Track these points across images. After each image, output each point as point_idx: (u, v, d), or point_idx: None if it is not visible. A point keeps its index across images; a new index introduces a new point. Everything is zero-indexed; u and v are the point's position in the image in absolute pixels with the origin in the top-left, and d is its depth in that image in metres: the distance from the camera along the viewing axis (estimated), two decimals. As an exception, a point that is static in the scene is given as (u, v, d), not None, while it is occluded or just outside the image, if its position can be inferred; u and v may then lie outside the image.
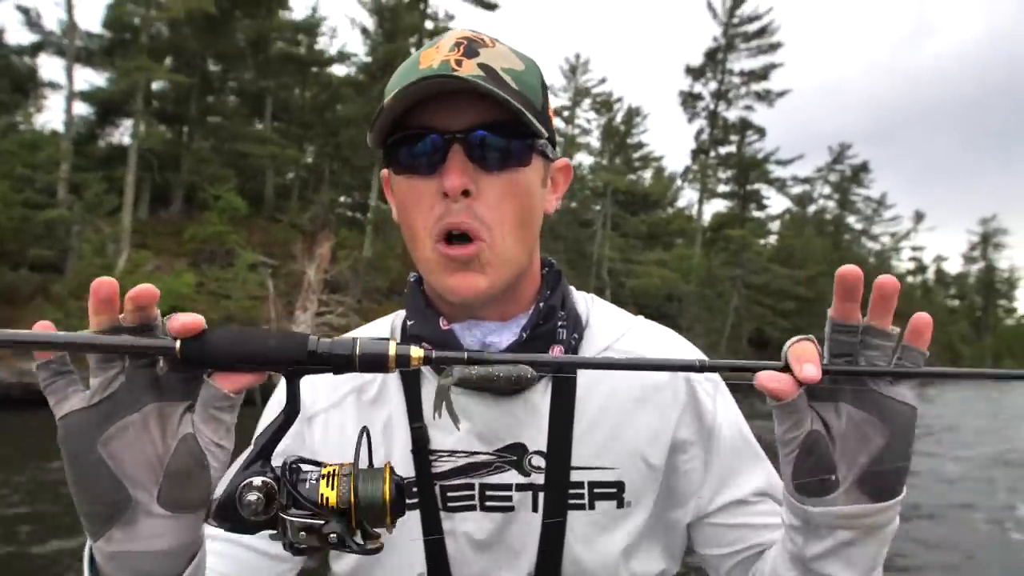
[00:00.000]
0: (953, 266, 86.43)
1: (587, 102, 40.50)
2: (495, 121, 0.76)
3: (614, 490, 0.85)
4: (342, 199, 30.52)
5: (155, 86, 25.83)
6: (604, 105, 40.55)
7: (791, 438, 0.63)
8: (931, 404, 29.38)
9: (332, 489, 0.58)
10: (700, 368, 0.60)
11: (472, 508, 0.85)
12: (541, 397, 0.85)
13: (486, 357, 0.59)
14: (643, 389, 0.87)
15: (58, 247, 19.56)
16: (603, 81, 42.79)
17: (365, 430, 0.65)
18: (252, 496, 0.57)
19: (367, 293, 24.65)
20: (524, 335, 0.83)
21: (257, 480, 0.58)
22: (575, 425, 0.85)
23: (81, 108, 25.64)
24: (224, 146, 25.39)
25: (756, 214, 46.55)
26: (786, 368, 0.61)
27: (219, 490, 0.60)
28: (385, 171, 0.85)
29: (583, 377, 0.86)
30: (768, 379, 0.61)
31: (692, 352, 0.92)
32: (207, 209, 22.65)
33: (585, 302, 0.95)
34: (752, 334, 41.10)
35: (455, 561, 0.85)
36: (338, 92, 28.12)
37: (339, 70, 29.92)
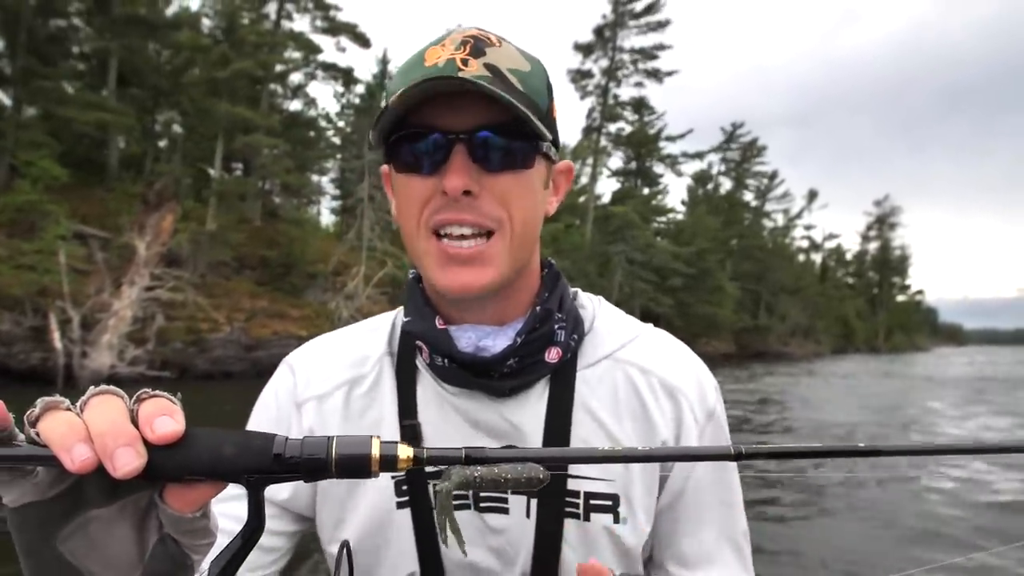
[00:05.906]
0: (854, 244, 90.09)
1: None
2: (499, 122, 0.75)
3: (609, 503, 0.83)
4: (212, 172, 29.24)
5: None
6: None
7: None
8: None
9: None
10: (735, 457, 0.53)
11: (466, 507, 0.83)
12: (538, 399, 0.84)
13: (484, 454, 0.51)
14: (643, 405, 0.86)
15: None
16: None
17: (345, 544, 0.68)
18: None
19: (214, 267, 23.81)
20: (519, 340, 0.82)
21: None
22: (572, 430, 0.83)
23: None
24: (54, 111, 23.81)
25: (654, 191, 47.25)
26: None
27: None
28: (385, 167, 0.84)
29: (583, 378, 0.85)
30: None
31: (700, 369, 0.90)
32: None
33: (592, 304, 0.94)
34: (643, 309, 41.94)
35: (448, 561, 0.83)
36: (191, 57, 26.78)
37: (192, 34, 28.44)
